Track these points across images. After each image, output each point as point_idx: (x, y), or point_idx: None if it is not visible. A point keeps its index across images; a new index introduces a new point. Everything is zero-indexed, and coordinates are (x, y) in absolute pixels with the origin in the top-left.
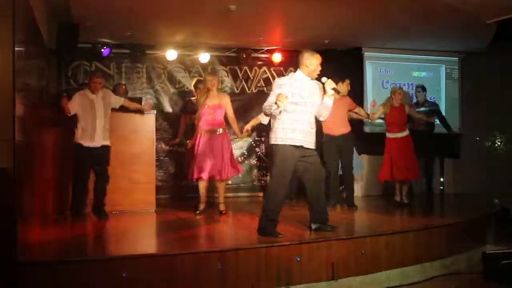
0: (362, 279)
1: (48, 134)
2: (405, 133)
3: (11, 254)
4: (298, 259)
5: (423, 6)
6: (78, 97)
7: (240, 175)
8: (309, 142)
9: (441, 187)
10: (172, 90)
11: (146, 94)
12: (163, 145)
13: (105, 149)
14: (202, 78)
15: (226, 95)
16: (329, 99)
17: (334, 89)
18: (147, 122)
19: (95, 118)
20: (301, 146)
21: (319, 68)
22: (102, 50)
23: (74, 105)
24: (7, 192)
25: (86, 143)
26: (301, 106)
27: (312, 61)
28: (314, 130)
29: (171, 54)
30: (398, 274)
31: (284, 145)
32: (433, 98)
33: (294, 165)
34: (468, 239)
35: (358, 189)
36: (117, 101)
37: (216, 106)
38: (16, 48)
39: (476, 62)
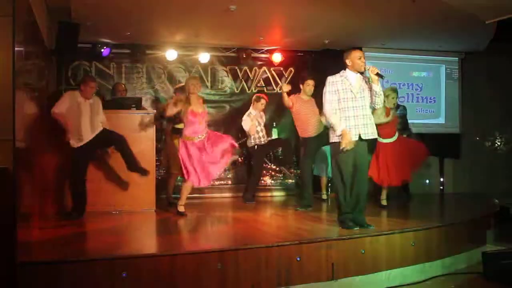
0: (362, 279)
1: (48, 133)
2: (395, 138)
3: (11, 254)
4: (298, 259)
5: (423, 6)
6: (67, 98)
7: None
8: (371, 133)
9: (441, 187)
10: (172, 90)
11: (146, 94)
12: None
13: (102, 133)
14: (183, 84)
15: (202, 98)
16: (375, 85)
17: (377, 74)
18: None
19: (79, 122)
20: (364, 139)
21: (361, 62)
22: (102, 50)
23: (63, 106)
24: (7, 192)
25: (77, 144)
26: (351, 102)
27: (350, 58)
28: (372, 121)
29: (171, 54)
30: (398, 274)
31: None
32: (433, 98)
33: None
34: (468, 239)
35: None
36: (102, 115)
37: (203, 113)
38: (16, 48)
39: (476, 62)
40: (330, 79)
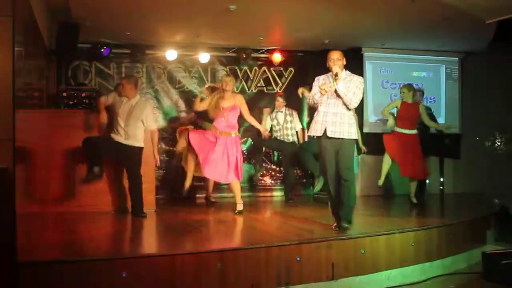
0: (362, 279)
1: (49, 132)
2: (414, 131)
3: (11, 254)
4: (298, 259)
5: (422, 6)
6: (112, 96)
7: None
8: (339, 132)
9: (441, 187)
10: (172, 90)
11: (146, 94)
12: (163, 145)
13: (132, 149)
14: (214, 85)
15: (239, 94)
16: (336, 86)
17: (336, 74)
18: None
19: (116, 118)
20: (331, 137)
21: (332, 64)
22: (102, 50)
23: (108, 100)
24: (7, 192)
25: (112, 135)
26: (325, 98)
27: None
28: (347, 120)
29: (171, 54)
30: (398, 274)
31: (317, 137)
32: (433, 98)
33: (330, 156)
34: (468, 239)
35: (357, 189)
36: (150, 122)
37: (230, 107)
38: (16, 48)
39: (476, 62)
40: (316, 78)
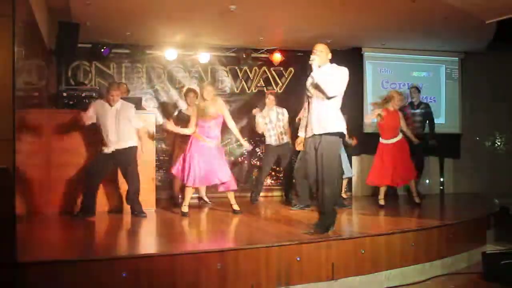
0: (362, 279)
1: (49, 133)
2: (399, 137)
3: (11, 254)
4: (298, 259)
5: (423, 6)
6: (92, 107)
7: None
8: (322, 127)
9: (441, 187)
10: (172, 90)
11: (146, 94)
12: (163, 145)
13: (125, 150)
14: (191, 88)
15: (219, 98)
16: (312, 72)
17: (312, 59)
18: (147, 122)
19: (106, 128)
20: (313, 135)
21: (313, 53)
22: (102, 50)
23: (89, 115)
24: (7, 192)
25: (104, 149)
26: (311, 98)
27: None
28: (334, 114)
29: (171, 54)
30: (398, 274)
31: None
32: (433, 98)
33: (311, 156)
34: (468, 239)
35: (358, 189)
36: (136, 121)
37: (214, 116)
38: (16, 48)
39: (476, 62)
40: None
